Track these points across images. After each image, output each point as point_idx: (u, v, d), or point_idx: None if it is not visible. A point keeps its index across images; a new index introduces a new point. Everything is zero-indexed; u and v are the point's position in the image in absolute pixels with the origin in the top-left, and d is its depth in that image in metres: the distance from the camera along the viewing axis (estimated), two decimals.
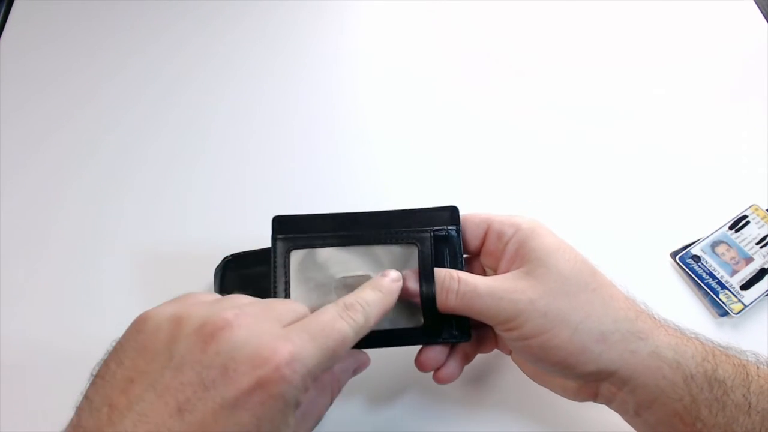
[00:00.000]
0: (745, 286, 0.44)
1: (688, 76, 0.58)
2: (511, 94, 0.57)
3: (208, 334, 0.23)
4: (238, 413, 0.22)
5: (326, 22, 0.64)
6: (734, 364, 0.30)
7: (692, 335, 0.32)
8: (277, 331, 0.24)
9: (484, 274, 0.35)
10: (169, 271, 0.46)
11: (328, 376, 0.32)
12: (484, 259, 0.35)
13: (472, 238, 0.34)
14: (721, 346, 0.32)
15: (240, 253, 0.42)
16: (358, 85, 0.59)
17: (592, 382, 0.31)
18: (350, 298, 0.28)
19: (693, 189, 0.50)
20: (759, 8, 0.63)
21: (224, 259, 0.41)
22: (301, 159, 0.53)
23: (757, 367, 0.30)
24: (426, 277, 0.32)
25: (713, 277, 0.44)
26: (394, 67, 0.60)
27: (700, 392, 0.29)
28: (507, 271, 0.32)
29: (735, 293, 0.44)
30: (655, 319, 0.31)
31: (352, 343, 0.26)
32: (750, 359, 0.31)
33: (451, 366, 0.34)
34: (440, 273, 0.32)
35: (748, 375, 0.29)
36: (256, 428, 0.22)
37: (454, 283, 0.31)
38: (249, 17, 0.64)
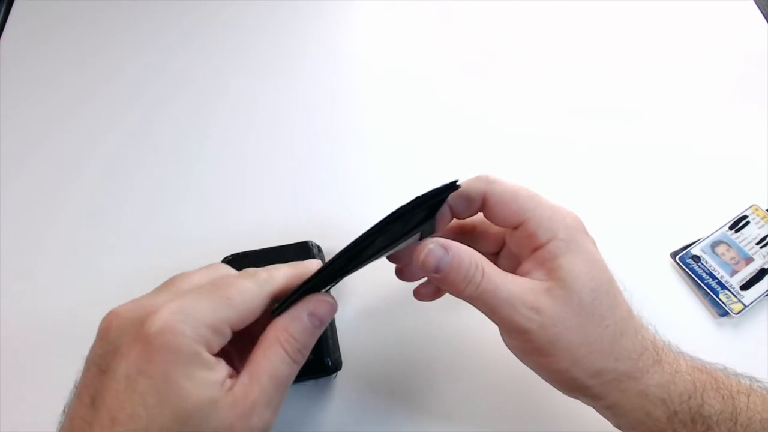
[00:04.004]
0: (745, 286, 0.44)
1: (688, 76, 0.58)
2: (511, 95, 0.57)
3: (102, 329, 0.25)
4: (134, 382, 0.23)
5: (326, 22, 0.64)
6: (724, 397, 0.30)
7: (691, 365, 0.31)
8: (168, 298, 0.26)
9: (498, 252, 0.34)
10: (169, 271, 0.46)
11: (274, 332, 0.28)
12: (511, 243, 0.33)
13: (506, 221, 0.31)
14: (720, 371, 0.32)
15: (240, 252, 0.42)
16: (358, 85, 0.59)
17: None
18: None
19: (693, 189, 0.50)
20: (759, 8, 0.63)
21: (224, 259, 0.42)
22: (301, 158, 0.53)
23: (748, 397, 0.31)
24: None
25: (713, 277, 0.44)
26: (394, 67, 0.60)
27: (683, 427, 0.29)
28: (529, 272, 0.31)
29: (735, 293, 0.44)
30: (658, 353, 0.31)
31: (255, 295, 0.27)
32: (744, 383, 0.32)
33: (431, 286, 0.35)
34: (465, 259, 0.29)
35: (735, 408, 0.30)
36: (154, 389, 0.23)
37: (478, 276, 0.29)
38: (249, 17, 0.64)
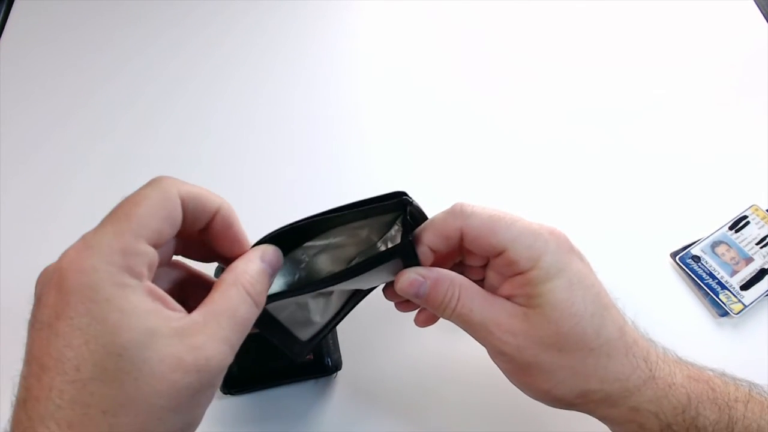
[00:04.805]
0: (745, 287, 0.44)
1: (688, 76, 0.58)
2: (511, 95, 0.57)
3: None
4: (55, 328, 0.22)
5: (326, 22, 0.64)
6: (720, 407, 0.30)
7: (687, 375, 0.31)
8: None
9: (486, 264, 0.34)
10: None
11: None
12: (493, 264, 0.32)
13: (486, 252, 0.31)
14: (718, 379, 0.32)
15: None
16: (358, 85, 0.59)
17: None
18: None
19: (693, 189, 0.50)
20: (759, 8, 0.63)
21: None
22: (301, 158, 0.53)
23: (745, 405, 0.30)
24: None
25: (713, 277, 0.44)
26: (394, 67, 0.60)
27: None
28: (510, 295, 0.31)
29: (735, 293, 0.44)
30: (651, 369, 0.30)
31: (157, 200, 0.25)
32: (742, 389, 0.31)
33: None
34: (442, 285, 0.30)
35: (731, 418, 0.30)
36: (77, 329, 0.22)
37: (453, 301, 0.31)
38: (249, 17, 0.64)
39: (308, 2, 0.65)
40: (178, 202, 0.26)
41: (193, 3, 0.65)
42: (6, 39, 0.62)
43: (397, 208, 0.31)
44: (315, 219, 0.31)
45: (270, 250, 0.29)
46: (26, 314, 0.24)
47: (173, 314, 0.24)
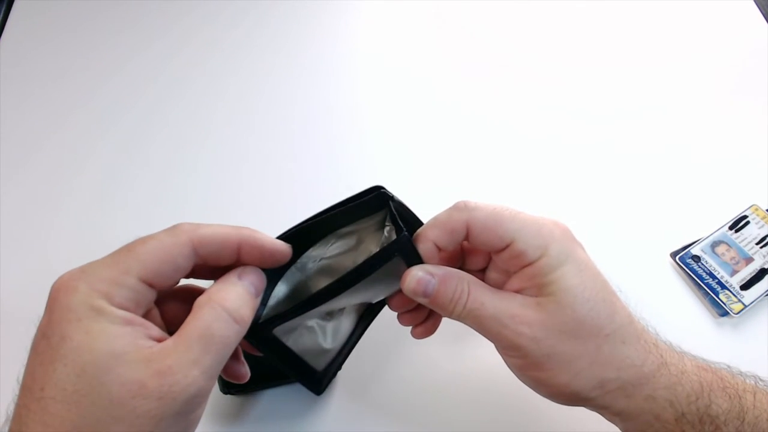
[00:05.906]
0: (745, 286, 0.44)
1: (688, 76, 0.58)
2: (511, 95, 0.57)
3: None
4: (38, 345, 0.23)
5: (326, 22, 0.64)
6: (730, 396, 0.30)
7: (696, 365, 0.31)
8: None
9: (486, 267, 0.33)
10: None
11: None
12: (497, 261, 0.32)
13: (492, 246, 0.30)
14: (725, 370, 0.32)
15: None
16: (358, 85, 0.59)
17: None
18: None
19: (693, 189, 0.50)
20: (759, 8, 0.63)
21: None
22: (301, 158, 0.53)
23: (754, 395, 0.30)
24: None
25: (713, 277, 0.44)
26: (394, 67, 0.60)
27: (691, 428, 0.29)
28: (518, 289, 0.30)
29: (735, 293, 0.44)
30: (662, 355, 0.30)
31: (164, 244, 0.25)
32: (749, 382, 0.31)
33: (430, 322, 0.34)
34: (451, 282, 0.30)
35: (742, 407, 0.30)
36: (49, 348, 0.23)
37: (464, 296, 0.30)
38: (249, 17, 0.64)
39: (308, 2, 0.65)
40: (187, 250, 0.26)
41: (193, 3, 0.65)
42: (6, 39, 0.62)
43: (380, 205, 0.31)
44: (300, 227, 0.30)
45: (248, 268, 0.28)
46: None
47: (147, 342, 0.24)
